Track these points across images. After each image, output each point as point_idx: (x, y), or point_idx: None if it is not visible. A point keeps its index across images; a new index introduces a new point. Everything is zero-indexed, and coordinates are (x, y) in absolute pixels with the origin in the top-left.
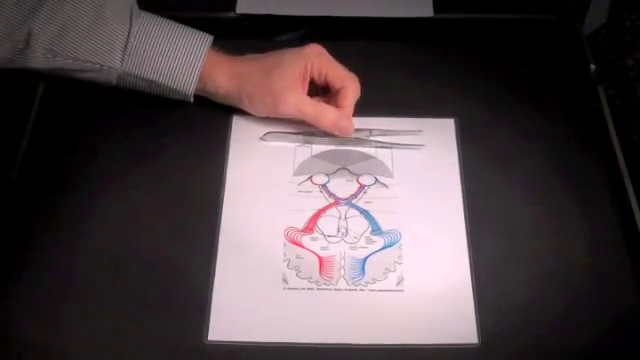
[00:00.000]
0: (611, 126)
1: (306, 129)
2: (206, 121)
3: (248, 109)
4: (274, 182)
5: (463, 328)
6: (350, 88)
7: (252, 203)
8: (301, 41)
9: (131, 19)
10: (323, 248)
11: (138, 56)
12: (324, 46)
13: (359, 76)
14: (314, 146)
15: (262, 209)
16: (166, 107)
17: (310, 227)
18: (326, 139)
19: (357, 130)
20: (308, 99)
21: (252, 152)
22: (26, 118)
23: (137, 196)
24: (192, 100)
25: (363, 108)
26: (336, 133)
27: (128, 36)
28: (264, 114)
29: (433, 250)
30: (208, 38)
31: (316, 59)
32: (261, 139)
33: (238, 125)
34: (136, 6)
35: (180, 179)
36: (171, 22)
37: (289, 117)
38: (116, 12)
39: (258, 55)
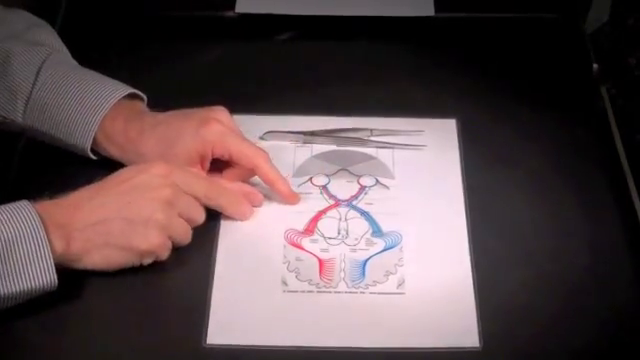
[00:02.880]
0: (614, 126)
1: (307, 128)
2: None
3: None
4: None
5: (464, 331)
6: (264, 167)
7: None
8: (300, 40)
9: (38, 72)
10: (323, 250)
11: (39, 110)
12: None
13: (359, 76)
14: (314, 146)
15: (261, 210)
16: (163, 110)
17: (310, 229)
18: (327, 139)
19: (358, 130)
20: (205, 176)
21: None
22: None
23: None
24: (93, 157)
25: (364, 108)
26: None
27: (31, 90)
28: None
29: (434, 252)
30: (117, 93)
31: (217, 141)
32: (260, 138)
33: (237, 124)
34: (53, 57)
35: None
36: (86, 73)
37: None
38: (23, 65)
39: (161, 117)
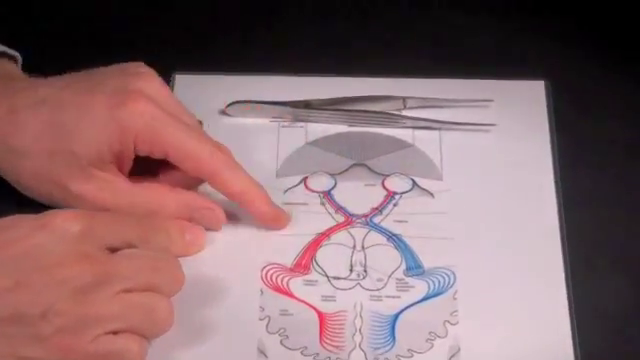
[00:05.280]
0: None
1: (299, 97)
2: None
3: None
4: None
5: None
6: (223, 174)
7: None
8: None
9: None
10: (326, 298)
11: None
12: None
13: (386, 7)
14: (311, 126)
15: (225, 234)
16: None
17: (304, 263)
18: (331, 115)
19: (383, 99)
20: (124, 185)
21: (207, 134)
22: None
23: None
24: None
25: (394, 62)
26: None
27: None
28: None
29: (509, 302)
30: None
31: (143, 130)
32: (223, 113)
33: (184, 87)
34: None
35: None
36: None
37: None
38: None
39: (47, 91)
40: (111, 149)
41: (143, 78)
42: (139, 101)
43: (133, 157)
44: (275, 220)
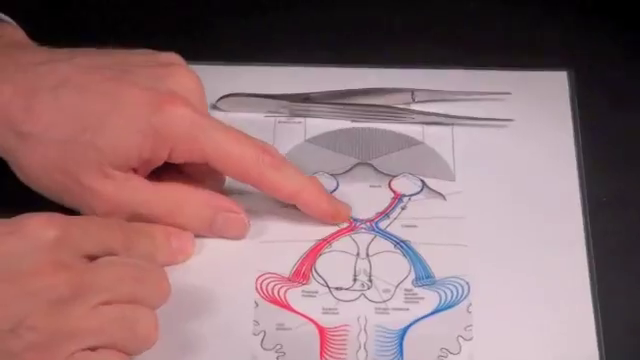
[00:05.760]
0: None
1: (297, 90)
2: None
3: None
4: (239, 189)
5: None
6: (275, 177)
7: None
8: None
9: None
10: (327, 311)
11: None
12: None
13: None
14: (310, 122)
15: (216, 240)
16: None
17: (303, 273)
18: (332, 109)
19: (390, 91)
20: (142, 183)
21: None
22: None
23: None
24: None
25: (401, 51)
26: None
27: None
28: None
29: (529, 316)
30: None
31: (184, 138)
32: (213, 107)
33: None
34: None
35: None
36: None
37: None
38: None
39: (70, 72)
40: (141, 155)
41: (178, 73)
42: (177, 105)
43: (161, 164)
44: (335, 217)
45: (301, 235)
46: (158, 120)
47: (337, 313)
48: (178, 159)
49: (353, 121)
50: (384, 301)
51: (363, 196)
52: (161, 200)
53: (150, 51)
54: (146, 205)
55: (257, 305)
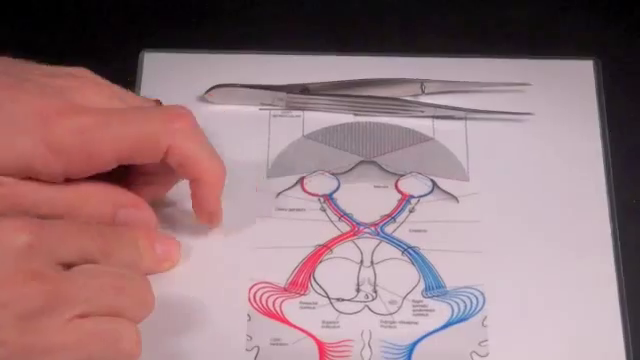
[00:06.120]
0: None
1: (295, 80)
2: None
3: None
4: (229, 189)
5: None
6: (215, 188)
7: (186, 235)
8: None
9: None
10: (328, 325)
11: None
12: None
13: None
14: (308, 115)
15: (205, 246)
16: None
17: (301, 282)
18: (333, 102)
19: (397, 82)
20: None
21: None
22: None
23: None
24: None
25: (410, 38)
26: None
27: None
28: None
29: (550, 330)
30: None
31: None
32: (202, 99)
33: (153, 68)
34: None
35: None
36: None
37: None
38: None
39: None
40: (32, 166)
41: (84, 87)
42: (70, 116)
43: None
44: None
45: (298, 241)
46: (48, 131)
47: (338, 327)
48: (80, 173)
49: (356, 115)
50: (390, 314)
51: (367, 197)
52: (62, 198)
53: (64, 67)
54: (49, 203)
55: (250, 318)
